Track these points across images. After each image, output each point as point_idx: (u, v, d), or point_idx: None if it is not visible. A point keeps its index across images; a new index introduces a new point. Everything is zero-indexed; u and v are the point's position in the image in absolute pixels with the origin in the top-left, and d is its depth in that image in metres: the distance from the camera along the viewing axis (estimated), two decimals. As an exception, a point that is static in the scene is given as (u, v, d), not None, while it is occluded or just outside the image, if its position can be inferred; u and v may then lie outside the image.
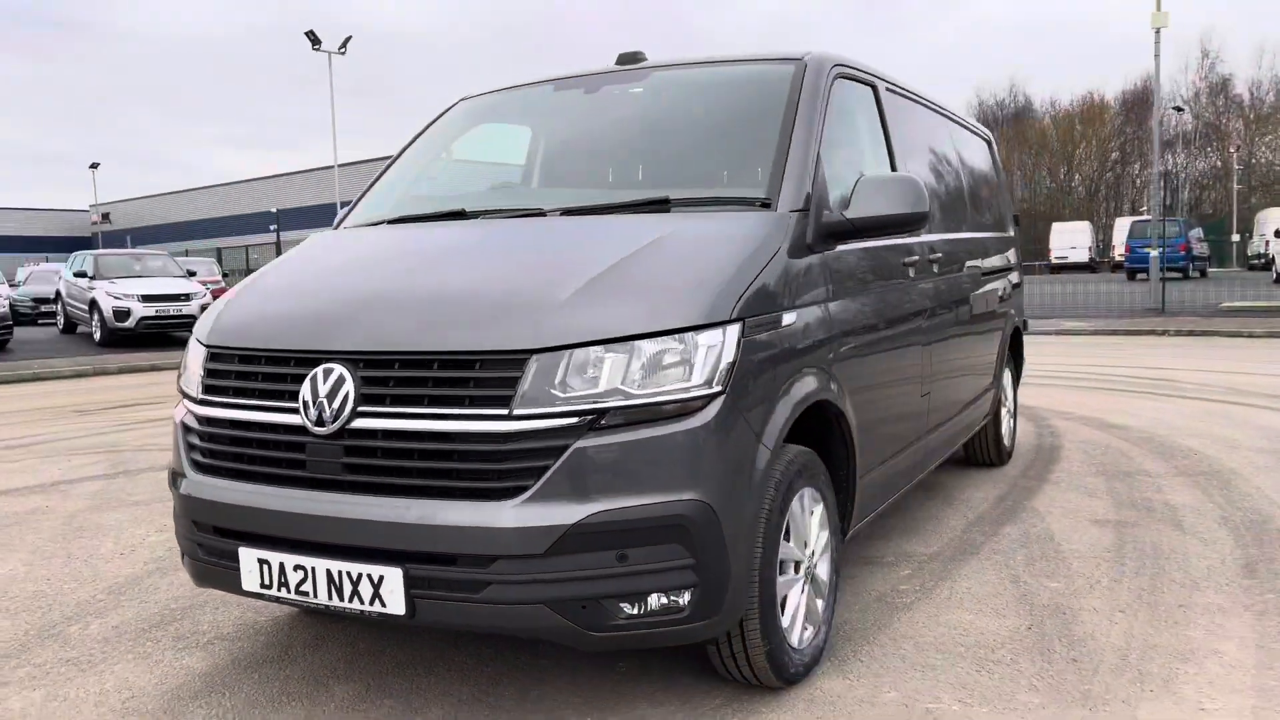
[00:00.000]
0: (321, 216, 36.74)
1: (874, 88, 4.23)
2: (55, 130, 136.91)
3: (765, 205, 3.20)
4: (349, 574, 2.66)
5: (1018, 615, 3.64)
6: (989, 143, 6.49)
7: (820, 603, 3.26)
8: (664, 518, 2.57)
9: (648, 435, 2.58)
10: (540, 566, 2.53)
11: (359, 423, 2.68)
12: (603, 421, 2.56)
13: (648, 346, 2.62)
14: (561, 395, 2.55)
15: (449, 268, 3.06)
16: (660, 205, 3.28)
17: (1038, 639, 3.41)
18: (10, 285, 29.40)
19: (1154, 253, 20.41)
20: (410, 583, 2.61)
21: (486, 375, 2.60)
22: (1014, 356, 6.43)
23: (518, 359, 2.59)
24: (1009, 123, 75.37)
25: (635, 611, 2.60)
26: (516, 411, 2.55)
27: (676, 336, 2.65)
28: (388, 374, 2.69)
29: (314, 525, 2.70)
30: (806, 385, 3.04)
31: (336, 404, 2.71)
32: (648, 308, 2.69)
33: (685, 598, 2.63)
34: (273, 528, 2.78)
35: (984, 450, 6.05)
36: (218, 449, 2.97)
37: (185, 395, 3.14)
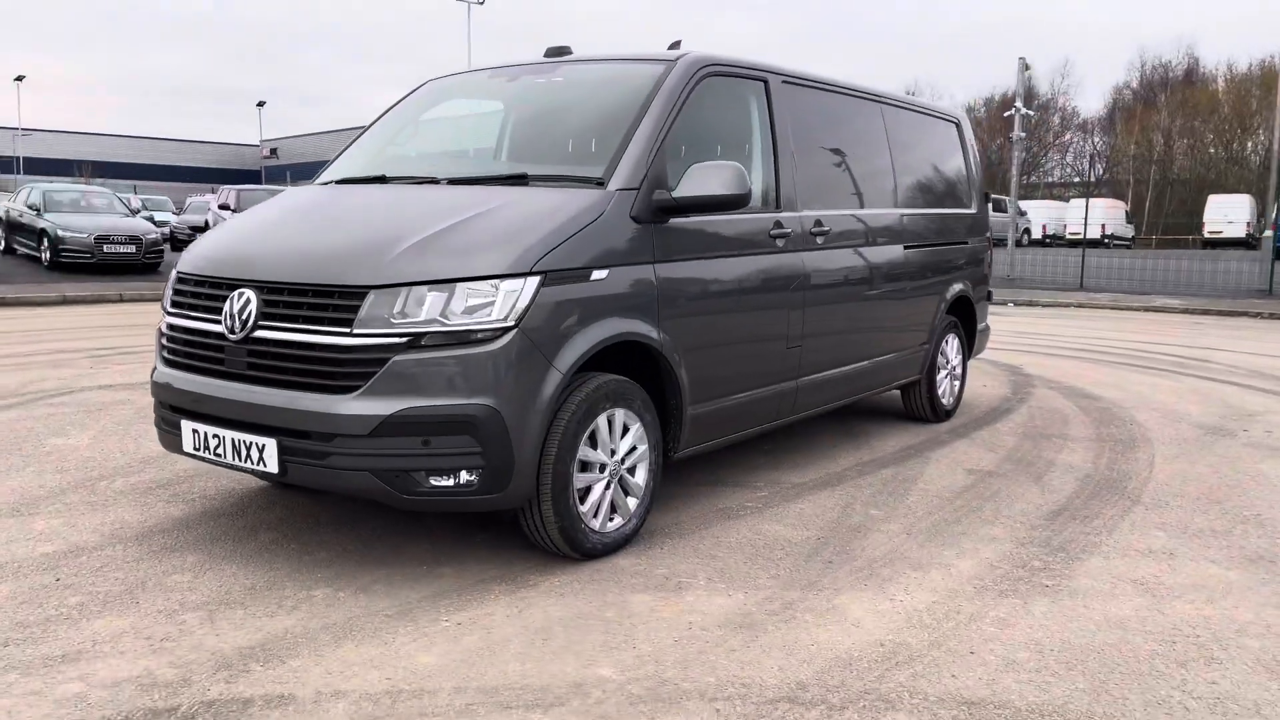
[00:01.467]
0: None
1: (765, 83, 4.95)
2: (230, 65, 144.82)
3: (599, 184, 4.04)
4: (245, 442, 3.69)
5: (820, 530, 4.41)
6: (957, 125, 7.04)
7: (633, 501, 4.12)
8: (458, 416, 3.49)
9: (451, 354, 3.50)
10: (366, 444, 3.49)
11: (259, 333, 3.68)
12: (421, 342, 3.49)
13: (460, 288, 3.53)
14: (390, 321, 3.49)
15: (342, 222, 4.03)
16: (520, 180, 4.17)
17: (816, 547, 4.19)
18: (178, 213, 32.36)
19: (1268, 232, 19.75)
20: (281, 450, 3.61)
21: (340, 303, 3.56)
22: (964, 324, 7.01)
23: (360, 292, 3.54)
24: (1174, 86, 71.37)
25: (435, 484, 3.54)
26: (356, 331, 3.51)
27: (486, 282, 3.55)
28: (279, 298, 3.68)
29: (226, 406, 3.74)
30: (612, 327, 3.89)
31: (244, 318, 3.72)
32: (465, 259, 3.59)
33: (474, 477, 3.55)
34: (201, 406, 3.84)
35: (918, 406, 6.70)
36: (174, 348, 4.06)
37: (162, 307, 4.24)
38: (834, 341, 5.40)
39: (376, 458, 3.51)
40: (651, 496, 4.23)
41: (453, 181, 4.36)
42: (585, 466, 3.90)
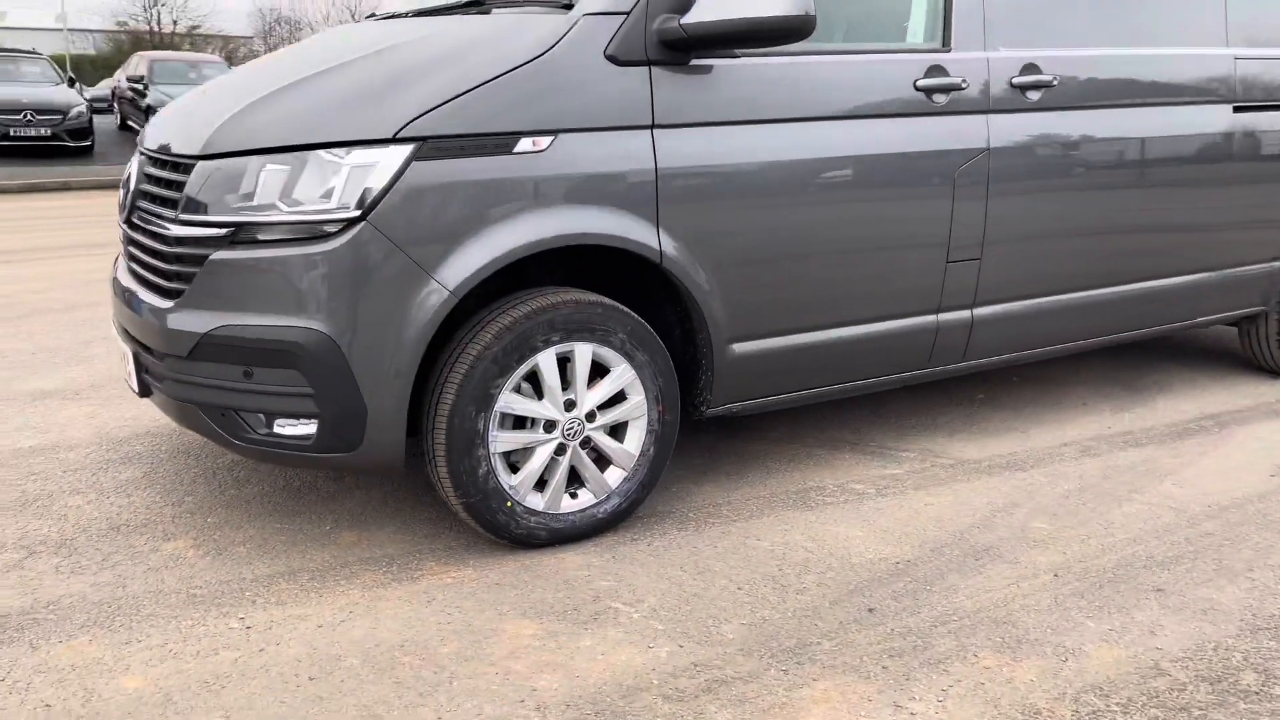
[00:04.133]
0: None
1: None
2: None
3: (566, 7, 2.71)
4: (123, 353, 2.99)
5: (916, 550, 2.88)
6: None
7: (615, 473, 2.90)
8: (277, 342, 2.50)
9: (272, 255, 2.49)
10: (187, 369, 2.62)
11: (134, 217, 2.92)
12: (241, 235, 2.51)
13: (290, 159, 2.48)
14: (221, 206, 2.55)
15: (267, 70, 3.06)
16: (479, 6, 2.94)
17: (875, 581, 2.70)
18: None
19: None
20: (138, 366, 2.86)
21: (174, 179, 2.67)
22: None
23: (187, 164, 2.62)
24: None
25: (265, 431, 2.59)
26: (179, 216, 2.61)
27: (328, 151, 2.48)
28: (150, 172, 2.87)
29: (121, 314, 3.02)
30: (556, 224, 2.62)
31: (125, 196, 2.98)
32: (319, 120, 2.52)
33: (310, 428, 2.55)
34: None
35: (1260, 353, 4.51)
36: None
37: None
38: (1056, 253, 3.57)
39: (200, 388, 2.63)
40: (653, 470, 2.95)
41: (419, 13, 3.24)
42: (519, 423, 2.74)
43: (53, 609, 2.49)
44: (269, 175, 2.50)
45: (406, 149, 2.47)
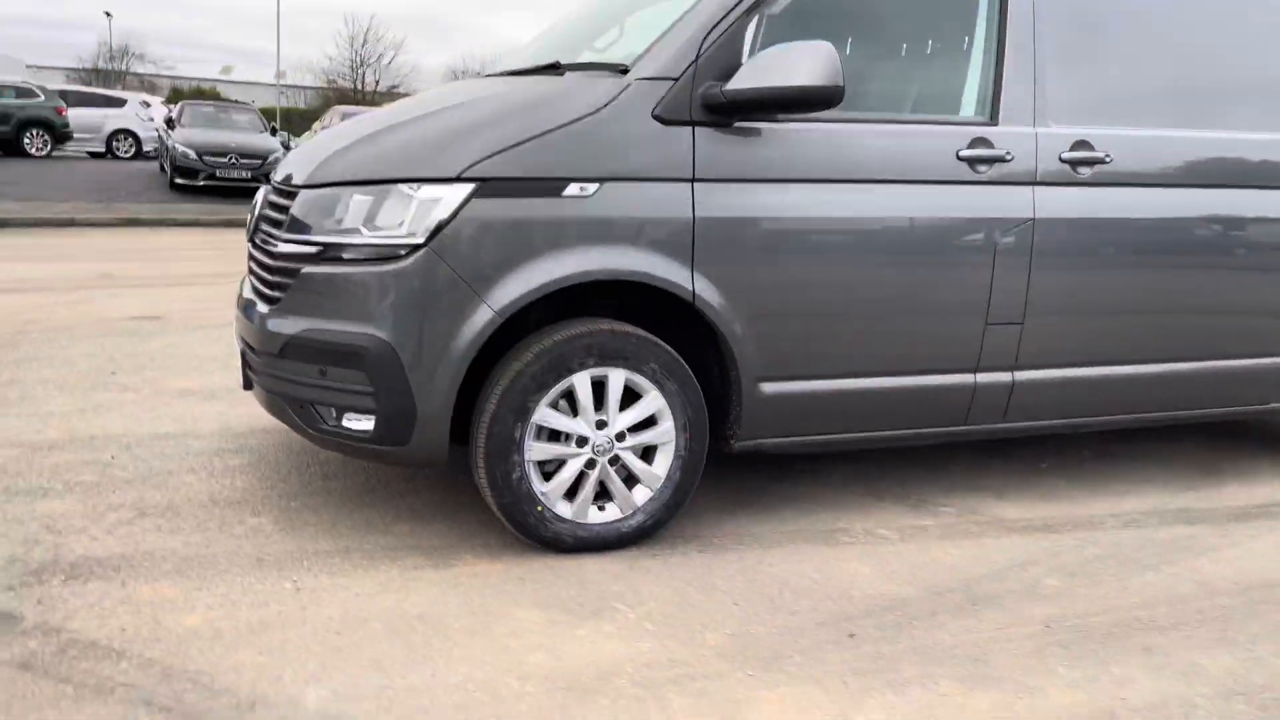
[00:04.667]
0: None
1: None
2: None
3: (622, 71, 3.07)
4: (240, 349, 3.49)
5: (921, 590, 3.02)
6: None
7: (642, 492, 3.17)
8: (348, 345, 2.90)
9: (350, 272, 2.92)
10: (277, 365, 3.07)
11: (256, 237, 3.43)
12: (329, 254, 2.96)
13: (372, 191, 2.91)
14: (317, 227, 3.00)
15: (378, 118, 3.54)
16: (554, 69, 3.34)
17: (867, 612, 2.87)
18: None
19: None
20: (244, 363, 3.34)
21: (286, 204, 3.15)
22: None
23: (293, 192, 3.09)
24: None
25: (331, 423, 3.00)
26: (283, 235, 3.08)
27: (401, 186, 2.90)
28: (271, 199, 3.37)
29: (239, 322, 3.52)
30: (595, 260, 2.95)
31: (254, 222, 3.49)
32: (398, 160, 2.95)
33: (369, 423, 2.94)
34: None
35: (1350, 446, 4.39)
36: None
37: None
38: (1106, 325, 3.65)
39: (286, 382, 3.07)
40: (679, 493, 3.21)
41: (512, 72, 3.66)
42: (555, 436, 3.06)
43: (147, 558, 2.94)
44: (356, 204, 2.93)
45: (468, 187, 2.86)
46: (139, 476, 3.62)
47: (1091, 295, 3.58)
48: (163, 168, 19.12)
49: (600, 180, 2.96)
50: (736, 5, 3.08)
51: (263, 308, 3.15)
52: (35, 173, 18.42)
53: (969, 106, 3.46)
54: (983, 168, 3.37)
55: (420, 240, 2.85)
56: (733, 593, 2.92)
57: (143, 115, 26.03)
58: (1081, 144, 3.50)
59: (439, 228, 2.85)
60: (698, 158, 3.05)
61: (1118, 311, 3.65)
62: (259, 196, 3.52)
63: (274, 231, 3.17)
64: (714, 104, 3.01)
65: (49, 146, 22.64)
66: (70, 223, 13.02)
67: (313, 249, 2.98)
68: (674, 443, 3.16)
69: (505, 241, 2.89)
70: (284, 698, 2.26)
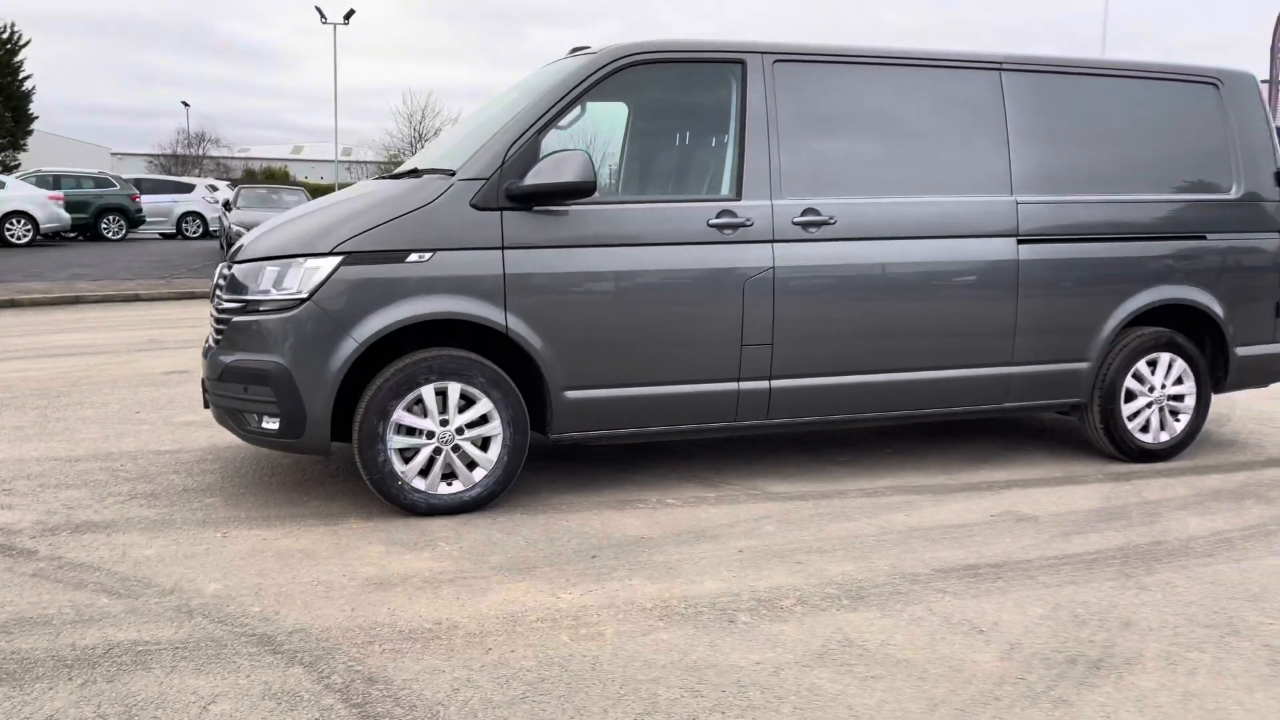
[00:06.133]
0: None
1: (743, 64, 4.70)
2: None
3: (451, 174, 4.40)
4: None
5: (591, 544, 4.22)
6: (1215, 85, 5.52)
7: (479, 472, 4.41)
8: (260, 369, 4.23)
9: (263, 319, 4.25)
10: (218, 387, 4.41)
11: (213, 299, 4.79)
12: (248, 308, 4.30)
13: (278, 265, 4.26)
14: (245, 288, 4.35)
15: (302, 209, 4.90)
16: (413, 173, 4.68)
17: (547, 555, 4.07)
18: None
19: None
20: (203, 389, 4.69)
21: (229, 274, 4.51)
22: (1195, 342, 5.49)
23: (234, 264, 4.46)
24: None
25: (254, 425, 4.33)
26: (225, 296, 4.44)
27: (293, 261, 4.24)
28: (223, 270, 4.74)
29: (202, 364, 4.90)
30: (427, 305, 4.24)
31: (214, 288, 4.86)
32: (294, 241, 4.30)
33: (276, 424, 4.26)
34: None
35: (1093, 437, 5.45)
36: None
37: None
38: (842, 343, 4.82)
39: (224, 398, 4.41)
40: (506, 472, 4.44)
41: (387, 176, 5.01)
42: (411, 431, 4.33)
43: (127, 522, 4.26)
44: (269, 273, 4.28)
45: (338, 259, 4.19)
46: (136, 476, 4.98)
47: (826, 322, 4.77)
48: (222, 245, 21.08)
49: (434, 250, 4.26)
50: (531, 126, 4.39)
51: (212, 347, 4.50)
52: (110, 255, 20.49)
53: (724, 186, 4.71)
54: (729, 231, 4.60)
55: (306, 295, 4.18)
56: (528, 536, 4.14)
57: (209, 198, 28.34)
58: (810, 210, 4.72)
59: (319, 287, 4.17)
60: (505, 232, 4.34)
61: (849, 334, 4.82)
62: (218, 270, 4.88)
63: (220, 294, 4.53)
64: (514, 195, 4.32)
65: (124, 230, 24.89)
66: (135, 297, 14.77)
67: (241, 304, 4.32)
68: (501, 435, 4.41)
69: (364, 294, 4.20)
70: (193, 588, 3.55)
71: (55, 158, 42.59)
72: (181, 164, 64.66)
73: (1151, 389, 5.40)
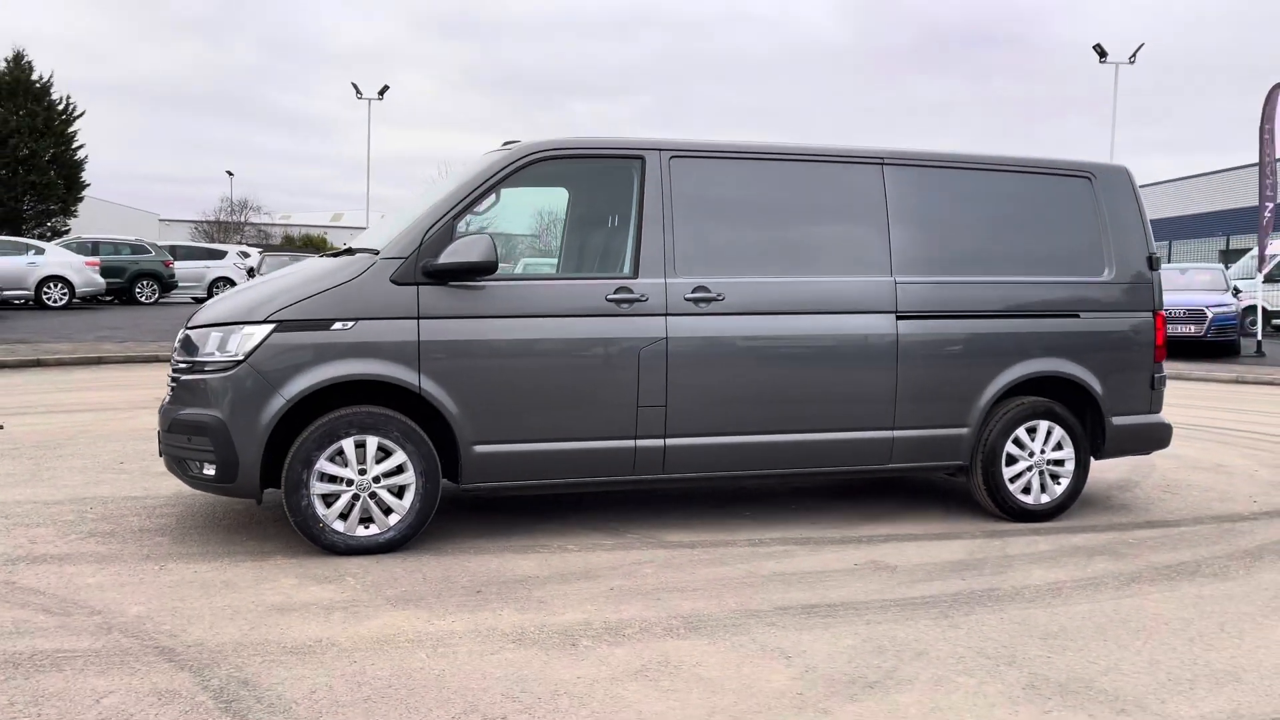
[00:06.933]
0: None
1: (642, 160, 5.32)
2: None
3: (375, 253, 5.02)
4: (161, 432, 5.46)
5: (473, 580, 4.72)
6: (1088, 179, 6.06)
7: (394, 517, 4.95)
8: (201, 422, 4.83)
9: (206, 377, 4.86)
10: (167, 437, 5.01)
11: (171, 361, 5.43)
12: (194, 368, 4.92)
13: (222, 330, 4.89)
14: (196, 351, 4.97)
15: (250, 283, 5.55)
16: (348, 251, 5.32)
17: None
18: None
19: None
20: (159, 440, 5.30)
21: (183, 339, 5.14)
22: (1076, 412, 5.96)
23: (188, 330, 5.09)
24: None
25: (196, 472, 4.91)
26: (178, 358, 5.07)
27: (234, 328, 4.86)
28: (180, 336, 5.37)
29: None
30: (348, 368, 4.83)
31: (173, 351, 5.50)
32: (236, 311, 4.93)
33: (214, 470, 4.84)
34: None
35: (978, 497, 5.90)
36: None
37: None
38: (729, 407, 5.35)
39: (172, 447, 5.01)
40: (419, 517, 4.98)
41: (327, 254, 5.65)
42: (333, 479, 4.89)
43: (81, 555, 4.84)
44: (213, 338, 4.90)
45: (270, 326, 4.80)
46: (100, 518, 5.57)
47: (717, 387, 5.30)
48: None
49: (357, 319, 4.87)
50: (447, 213, 5.01)
51: (165, 401, 5.11)
52: (139, 318, 21.47)
53: (624, 266, 5.29)
54: (625, 305, 5.17)
55: (242, 358, 4.79)
56: (428, 574, 4.66)
57: (240, 265, 29.48)
58: (701, 288, 5.28)
59: (253, 351, 4.78)
60: (421, 305, 4.94)
61: (739, 398, 5.35)
62: (179, 334, 5.52)
63: (175, 355, 5.15)
64: (429, 272, 4.93)
65: (157, 295, 25.98)
66: (154, 359, 15.56)
67: (190, 364, 4.94)
68: (415, 484, 4.96)
69: (292, 358, 4.79)
70: (119, 610, 4.10)
71: (105, 224, 44.46)
72: (224, 230, 66.76)
73: (1031, 454, 5.85)
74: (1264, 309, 20.46)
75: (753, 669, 3.61)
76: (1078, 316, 5.90)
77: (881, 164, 5.71)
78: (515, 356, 5.06)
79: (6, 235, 29.46)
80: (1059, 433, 5.89)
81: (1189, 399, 13.41)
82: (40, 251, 23.22)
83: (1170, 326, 19.24)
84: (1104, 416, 5.96)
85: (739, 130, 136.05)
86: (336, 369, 4.83)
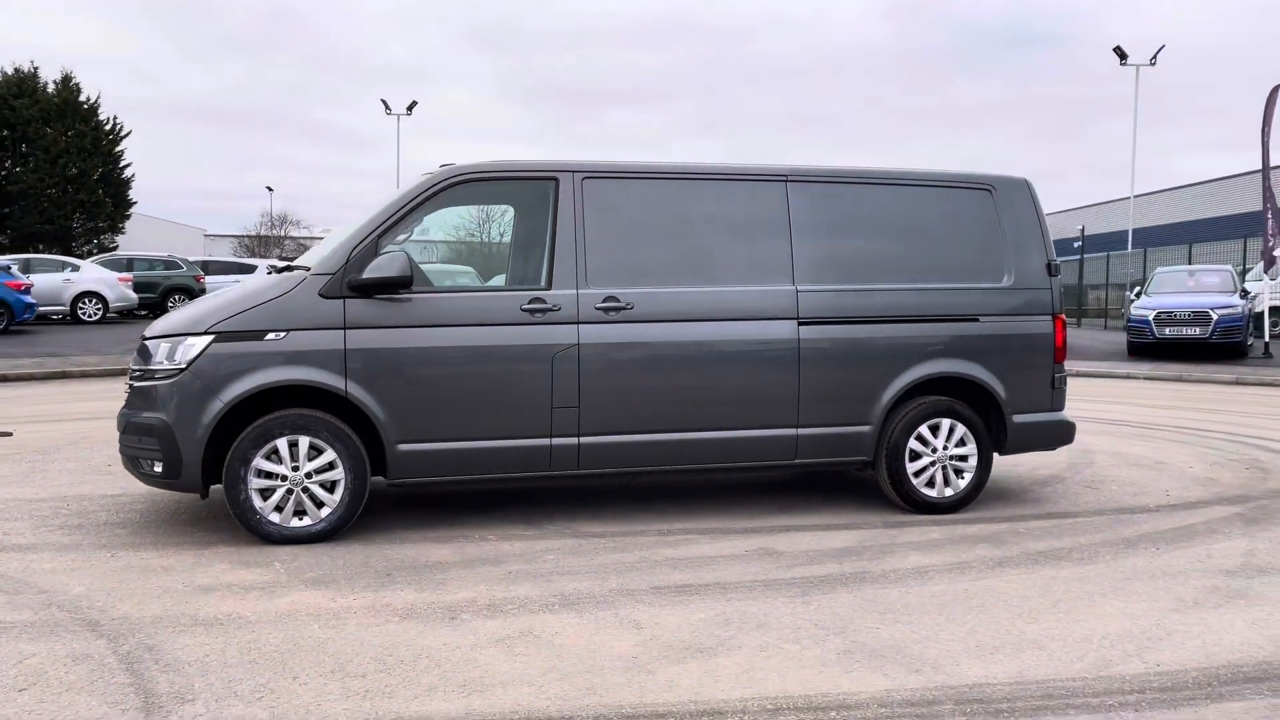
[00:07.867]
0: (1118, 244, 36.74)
1: (556, 181, 5.78)
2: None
3: (307, 270, 5.53)
4: (125, 434, 6.01)
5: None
6: (989, 191, 6.42)
7: (325, 509, 5.45)
8: (149, 424, 5.36)
9: (154, 384, 5.39)
10: (123, 438, 5.55)
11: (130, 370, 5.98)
12: (144, 376, 5.46)
13: (170, 341, 5.42)
14: (150, 360, 5.51)
15: (198, 301, 6.08)
16: (288, 267, 5.84)
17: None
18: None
19: None
20: (118, 441, 5.84)
21: (140, 348, 5.68)
22: (979, 410, 6.31)
23: (144, 339, 5.63)
24: None
25: (147, 469, 5.44)
26: (133, 366, 5.61)
27: (180, 338, 5.39)
28: (139, 346, 5.92)
29: None
30: (279, 374, 5.33)
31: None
32: (182, 323, 5.46)
33: (161, 468, 5.37)
34: None
35: (885, 490, 6.27)
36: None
37: None
38: (638, 406, 5.77)
39: (127, 447, 5.55)
40: (349, 510, 5.47)
41: (274, 269, 6.18)
42: (270, 475, 5.40)
43: (46, 545, 5.38)
44: (163, 348, 5.43)
45: (210, 337, 5.32)
46: (73, 513, 6.13)
47: (626, 389, 5.74)
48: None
49: (288, 330, 5.38)
50: (372, 233, 5.50)
51: (122, 406, 5.66)
52: (167, 331, 22.30)
53: (540, 279, 5.76)
54: (539, 314, 5.63)
55: (185, 366, 5.31)
56: (349, 560, 5.14)
57: (269, 279, 30.31)
58: (611, 298, 5.72)
59: (194, 359, 5.30)
60: (347, 316, 5.44)
61: (648, 399, 5.78)
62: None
63: (132, 364, 5.70)
64: (354, 286, 5.42)
65: (188, 309, 26.78)
66: (173, 371, 16.31)
67: (142, 372, 5.48)
68: (344, 480, 5.45)
69: (229, 365, 5.31)
70: (63, 589, 4.62)
71: (152, 240, 45.85)
72: (265, 244, 68.23)
73: (935, 450, 6.21)
74: (1270, 308, 20.41)
75: (604, 638, 4.04)
76: (977, 320, 6.26)
77: (785, 180, 6.12)
78: (436, 363, 5.54)
79: (50, 254, 30.65)
80: (961, 430, 6.24)
81: (1176, 400, 13.61)
82: (75, 269, 24.19)
83: (1174, 329, 19.34)
84: (1005, 414, 6.30)
85: (777, 137, 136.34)
86: (270, 375, 5.34)
